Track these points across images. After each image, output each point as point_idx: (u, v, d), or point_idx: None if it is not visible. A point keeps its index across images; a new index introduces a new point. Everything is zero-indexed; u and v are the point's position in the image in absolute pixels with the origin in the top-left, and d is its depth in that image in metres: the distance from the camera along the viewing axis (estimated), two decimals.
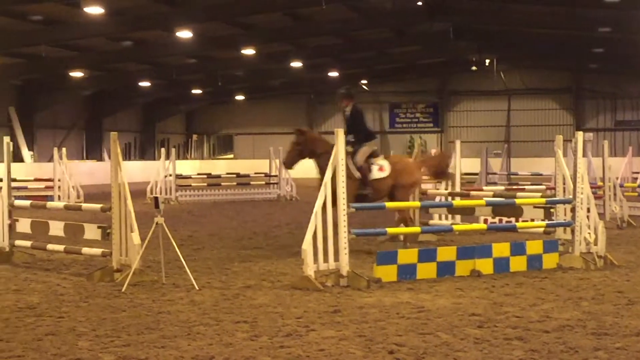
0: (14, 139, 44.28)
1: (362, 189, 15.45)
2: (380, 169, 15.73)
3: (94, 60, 44.43)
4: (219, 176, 35.86)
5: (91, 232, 13.12)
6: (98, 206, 13.35)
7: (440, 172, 17.09)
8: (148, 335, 8.71)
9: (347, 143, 15.05)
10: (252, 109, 63.87)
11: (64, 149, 30.66)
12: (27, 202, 15.13)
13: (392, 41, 47.52)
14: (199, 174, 39.61)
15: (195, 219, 23.25)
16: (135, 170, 40.58)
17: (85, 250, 13.32)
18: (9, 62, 42.17)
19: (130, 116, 59.32)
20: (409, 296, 10.85)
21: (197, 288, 11.44)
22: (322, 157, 15.01)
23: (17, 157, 43.98)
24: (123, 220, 12.23)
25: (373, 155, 15.90)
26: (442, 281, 11.94)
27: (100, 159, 51.56)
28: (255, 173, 34.99)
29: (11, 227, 14.30)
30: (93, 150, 54.68)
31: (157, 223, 11.81)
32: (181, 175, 33.57)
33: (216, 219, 23.62)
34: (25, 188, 28.02)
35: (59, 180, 29.01)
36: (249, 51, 43.47)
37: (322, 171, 14.95)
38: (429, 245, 15.06)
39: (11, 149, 14.72)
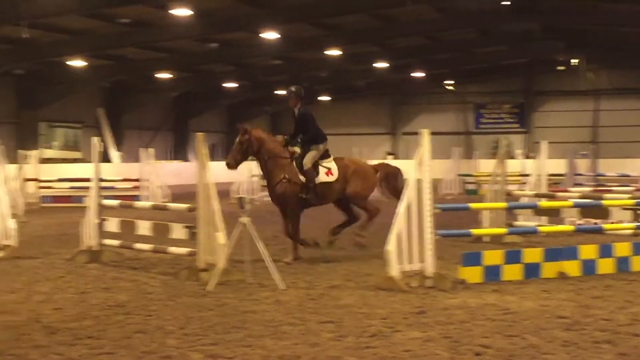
0: (102, 139, 44.96)
1: (304, 192, 14.73)
2: (328, 173, 14.94)
3: (181, 61, 44.90)
4: None
5: (178, 231, 13.27)
6: (184, 206, 13.50)
7: (393, 187, 15.73)
8: (235, 334, 8.79)
9: (295, 144, 14.92)
10: (336, 109, 63.83)
11: (151, 150, 31.08)
12: (115, 202, 15.36)
13: (477, 41, 47.19)
14: None
15: (279, 220, 23.26)
16: (220, 171, 40.72)
17: (172, 249, 13.49)
18: (98, 64, 42.86)
19: (216, 117, 59.82)
20: (494, 298, 10.76)
21: (282, 288, 11.50)
22: (270, 160, 14.65)
23: (105, 158, 44.68)
24: (209, 220, 12.34)
25: (324, 157, 15.06)
26: (528, 283, 11.81)
27: (186, 159, 52.12)
28: None
29: (100, 226, 14.54)
30: (179, 150, 55.30)
31: (242, 223, 11.91)
32: None
33: (300, 219, 23.64)
34: (113, 188, 28.46)
35: (146, 180, 29.42)
36: (333, 52, 43.52)
37: (268, 173, 14.74)
38: (515, 247, 14.90)
39: (100, 149, 14.95)
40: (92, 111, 48.40)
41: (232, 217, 12.75)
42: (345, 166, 15.20)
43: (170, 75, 48.17)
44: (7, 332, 9.05)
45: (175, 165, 46.82)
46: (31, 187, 29.11)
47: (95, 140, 15.06)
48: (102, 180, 15.18)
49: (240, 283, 11.92)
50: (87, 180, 15.90)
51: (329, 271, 13.26)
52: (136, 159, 35.50)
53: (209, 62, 46.82)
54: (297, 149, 14.85)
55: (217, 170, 13.76)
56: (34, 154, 32.09)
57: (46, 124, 47.00)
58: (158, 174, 30.11)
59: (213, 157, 15.26)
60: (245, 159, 14.95)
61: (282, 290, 11.38)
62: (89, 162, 17.92)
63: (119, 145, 48.88)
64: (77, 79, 43.69)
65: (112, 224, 14.57)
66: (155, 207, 15.43)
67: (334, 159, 15.24)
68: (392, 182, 15.83)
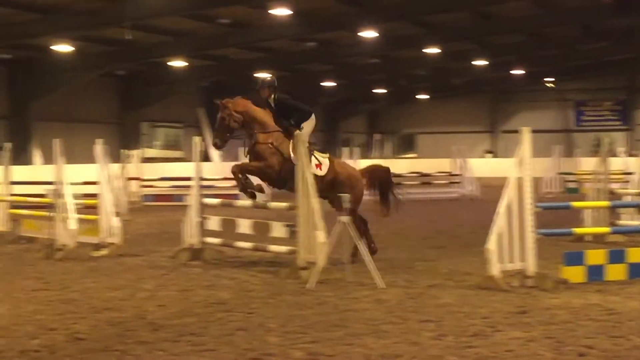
0: (202, 139, 45.47)
1: (288, 162, 13.63)
2: (318, 166, 13.96)
3: (280, 61, 45.15)
4: (401, 175, 35.87)
5: (278, 230, 13.37)
6: (284, 204, 13.60)
7: (384, 191, 15.22)
8: (335, 333, 8.82)
9: (287, 128, 14.02)
10: (434, 108, 63.62)
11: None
12: (216, 201, 15.53)
13: (578, 38, 46.40)
14: None
15: (378, 218, 23.29)
16: (318, 170, 40.74)
17: (272, 247, 13.60)
18: (199, 64, 43.40)
19: (316, 116, 60.01)
20: (598, 298, 10.59)
21: (381, 286, 11.50)
22: (258, 132, 13.89)
23: (206, 157, 45.18)
24: (309, 218, 12.41)
25: (314, 148, 14.18)
26: (632, 283, 11.59)
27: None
28: (438, 172, 34.82)
29: (201, 224, 14.72)
30: None
31: (342, 222, 11.94)
32: None
33: (399, 217, 23.50)
34: (213, 187, 28.76)
35: None
36: (432, 50, 43.30)
37: (258, 149, 13.81)
38: (618, 246, 14.63)
39: (201, 148, 15.13)
40: (193, 111, 49.00)
41: (332, 216, 12.80)
42: (335, 171, 14.27)
43: (268, 75, 48.47)
44: (112, 328, 9.24)
45: None
46: (133, 186, 29.63)
47: (196, 139, 15.26)
48: (202, 179, 15.38)
49: (340, 281, 11.95)
50: (188, 179, 16.14)
51: (429, 270, 13.21)
52: (236, 158, 35.81)
53: (307, 62, 47.00)
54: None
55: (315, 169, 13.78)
56: (136, 153, 32.71)
57: (148, 124, 47.79)
58: None
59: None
60: (231, 134, 14.12)
61: (382, 289, 11.38)
62: (190, 161, 18.15)
63: None
64: (178, 79, 44.30)
65: (213, 223, 14.74)
66: (255, 206, 15.54)
67: (329, 158, 14.40)
68: (381, 187, 15.15)
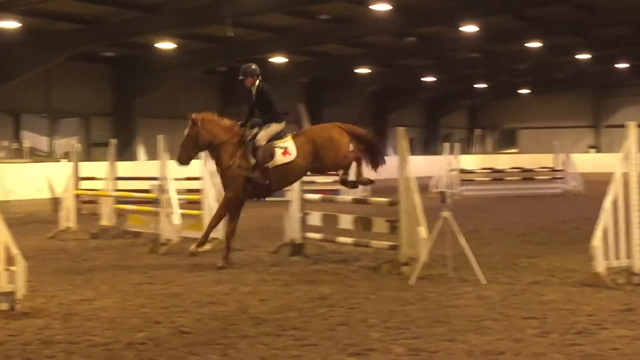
0: None
1: (251, 172, 13.54)
2: (285, 153, 13.67)
3: (379, 56, 45.12)
4: (502, 171, 35.56)
5: (379, 225, 13.36)
6: (385, 200, 13.58)
7: (373, 152, 14.51)
8: (437, 329, 8.79)
9: (254, 125, 13.83)
10: (536, 102, 62.80)
11: None
12: (317, 196, 15.59)
13: None
14: (482, 169, 39.39)
15: (479, 214, 23.18)
16: (419, 165, 40.83)
17: (374, 243, 13.59)
18: (299, 60, 43.63)
19: (414, 111, 59.86)
20: None
21: (484, 283, 11.41)
22: (220, 147, 13.68)
23: None
24: (410, 214, 12.38)
25: (276, 137, 13.81)
26: None
27: (385, 153, 52.38)
28: (540, 167, 34.39)
29: (303, 219, 14.80)
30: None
31: (443, 217, 11.88)
32: (464, 169, 33.56)
33: (500, 213, 23.45)
34: (314, 182, 28.86)
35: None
36: (533, 44, 42.77)
37: (219, 162, 13.70)
38: None
39: None
40: (293, 106, 49.20)
41: (432, 211, 12.74)
42: (309, 141, 13.85)
43: (369, 70, 48.51)
44: (215, 322, 9.35)
45: None
46: None
47: None
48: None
49: (442, 277, 11.90)
50: None
51: (531, 266, 13.07)
52: None
53: (407, 57, 46.84)
54: (254, 131, 13.82)
55: (416, 165, 13.72)
56: None
57: None
58: None
59: (412, 152, 15.08)
60: (198, 151, 13.96)
61: (484, 285, 11.30)
62: None
63: None
64: (278, 75, 44.51)
65: (315, 218, 14.81)
66: (356, 201, 15.56)
67: (294, 136, 13.99)
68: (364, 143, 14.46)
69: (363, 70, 48.16)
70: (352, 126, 14.49)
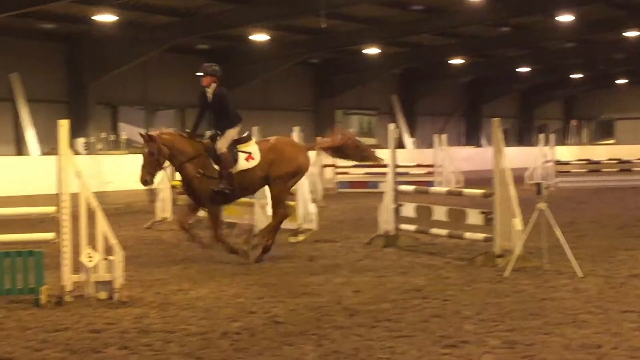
0: (396, 126, 45.63)
1: (218, 183, 13.09)
2: (248, 158, 13.32)
3: (473, 47, 44.73)
4: (599, 162, 34.98)
5: (473, 217, 13.27)
6: (480, 191, 13.48)
7: (344, 148, 14.29)
8: (532, 322, 8.71)
9: (213, 137, 13.25)
10: (634, 93, 61.52)
11: (444, 135, 31.23)
12: (410, 187, 15.55)
13: None
14: (578, 160, 38.82)
15: (575, 206, 22.88)
16: (514, 156, 40.40)
17: (468, 235, 13.51)
18: (392, 51, 43.47)
19: (508, 102, 59.20)
20: None
21: (580, 275, 11.26)
22: (183, 160, 13.10)
23: (400, 144, 45.33)
24: (505, 205, 12.26)
25: (242, 141, 13.49)
26: None
27: (479, 145, 51.96)
28: (638, 159, 33.73)
29: (396, 211, 14.78)
30: (471, 136, 55.20)
31: (539, 209, 11.75)
32: (560, 161, 33.14)
33: (597, 205, 23.10)
34: (407, 174, 28.83)
35: (439, 166, 29.61)
36: (632, 33, 41.94)
37: (184, 175, 13.25)
38: None
39: (396, 135, 15.19)
40: (386, 98, 49.15)
41: (527, 203, 12.62)
42: (267, 149, 13.54)
43: (462, 61, 48.15)
44: (310, 313, 9.40)
45: (468, 151, 46.73)
46: (328, 172, 30.02)
47: (391, 126, 15.33)
48: (397, 166, 15.43)
49: (537, 270, 11.78)
50: (382, 166, 16.22)
51: (630, 259, 12.87)
52: (429, 145, 35.80)
53: (501, 47, 46.32)
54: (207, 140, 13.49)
55: (510, 156, 13.58)
56: None
57: (342, 111, 48.29)
58: (451, 159, 30.22)
59: (507, 143, 14.92)
60: (159, 168, 13.21)
61: (581, 278, 11.15)
62: (384, 148, 18.22)
63: (412, 131, 49.43)
64: (371, 66, 44.54)
65: (408, 209, 14.77)
66: (450, 193, 15.49)
67: (259, 141, 13.84)
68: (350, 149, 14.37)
69: (456, 61, 47.81)
70: (324, 140, 14.74)
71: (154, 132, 13.37)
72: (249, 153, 13.39)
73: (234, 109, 13.68)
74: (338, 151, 14.56)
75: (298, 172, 13.82)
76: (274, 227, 13.58)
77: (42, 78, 33.13)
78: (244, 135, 13.71)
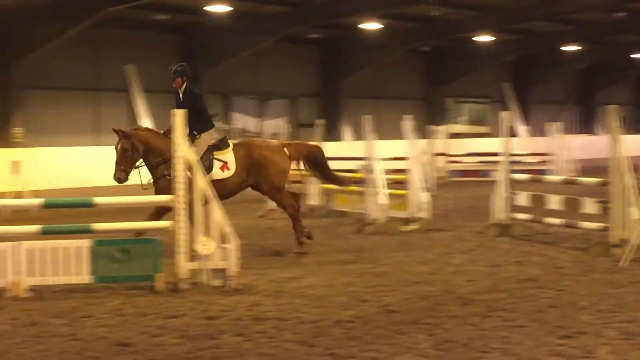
0: (510, 114, 45.12)
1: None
2: (224, 168, 12.93)
3: (588, 33, 43.96)
4: None
5: (589, 206, 13.05)
6: (596, 180, 13.25)
7: (312, 161, 13.86)
8: None
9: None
10: None
11: (558, 123, 30.77)
12: (525, 176, 15.36)
13: None
14: None
15: None
16: (631, 144, 39.38)
17: (583, 224, 13.30)
18: (504, 38, 43.01)
19: (624, 89, 58.01)
20: None
21: None
22: (156, 158, 12.66)
23: (513, 132, 44.82)
24: (621, 194, 12.02)
25: (221, 147, 13.10)
26: None
27: (593, 132, 51.05)
28: None
29: (510, 200, 14.62)
30: (586, 124, 54.30)
31: None
32: None
33: None
34: (520, 162, 28.48)
35: (553, 155, 29.18)
36: None
37: (153, 172, 12.74)
38: None
39: (509, 124, 15.02)
40: (498, 86, 48.66)
41: None
42: (246, 156, 13.17)
43: (577, 48, 47.36)
44: (422, 302, 9.38)
45: (582, 139, 45.94)
46: (440, 161, 29.87)
47: (504, 114, 15.16)
48: (511, 154, 15.25)
49: None
50: (495, 154, 16.06)
51: None
52: (542, 133, 35.31)
53: (617, 33, 45.39)
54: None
55: (627, 144, 13.27)
56: (442, 129, 32.92)
57: (453, 100, 48.02)
58: (565, 147, 29.76)
59: (623, 131, 14.55)
60: (135, 165, 12.74)
61: None
62: (496, 136, 18.05)
63: (525, 119, 48.85)
64: (482, 54, 44.15)
65: (522, 198, 14.60)
66: (566, 181, 15.24)
67: (234, 148, 13.29)
68: (316, 164, 13.93)
69: (570, 48, 47.05)
70: (298, 144, 14.36)
71: (128, 129, 13.08)
72: (225, 162, 13.11)
73: (207, 113, 13.31)
74: (306, 161, 13.96)
75: (284, 173, 13.53)
76: (295, 219, 13.37)
77: (157, 69, 33.70)
78: (222, 140, 13.41)
